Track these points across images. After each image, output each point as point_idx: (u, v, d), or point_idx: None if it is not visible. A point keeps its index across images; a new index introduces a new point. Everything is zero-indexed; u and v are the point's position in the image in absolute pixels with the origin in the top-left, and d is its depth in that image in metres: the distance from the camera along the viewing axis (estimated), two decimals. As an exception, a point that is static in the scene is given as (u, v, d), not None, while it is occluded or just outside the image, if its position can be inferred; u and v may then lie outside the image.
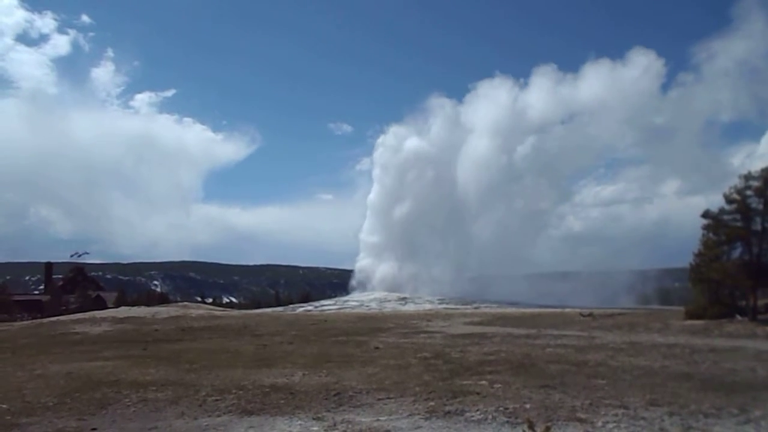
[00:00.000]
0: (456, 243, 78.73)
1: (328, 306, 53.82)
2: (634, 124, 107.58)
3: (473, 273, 76.15)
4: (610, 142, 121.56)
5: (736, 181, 21.63)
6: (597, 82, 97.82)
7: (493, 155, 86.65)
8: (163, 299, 66.68)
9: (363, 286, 69.26)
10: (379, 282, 68.40)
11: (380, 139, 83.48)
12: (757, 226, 21.35)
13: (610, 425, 7.02)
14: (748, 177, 21.33)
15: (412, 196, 78.33)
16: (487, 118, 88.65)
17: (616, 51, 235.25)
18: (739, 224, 21.70)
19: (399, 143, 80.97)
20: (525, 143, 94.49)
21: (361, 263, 73.26)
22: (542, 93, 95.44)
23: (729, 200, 21.69)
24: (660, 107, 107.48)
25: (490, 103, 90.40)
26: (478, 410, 7.81)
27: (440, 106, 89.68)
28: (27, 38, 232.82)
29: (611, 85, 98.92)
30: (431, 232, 78.75)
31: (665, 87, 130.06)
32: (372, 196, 78.01)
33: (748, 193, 21.25)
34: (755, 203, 21.26)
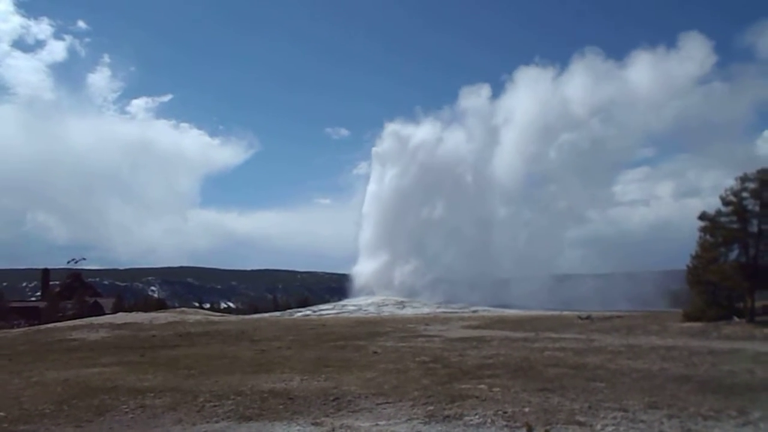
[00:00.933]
0: (478, 245, 75.81)
1: (327, 310, 53.63)
2: (676, 115, 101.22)
3: (498, 275, 72.52)
4: (648, 135, 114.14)
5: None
6: (641, 71, 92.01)
7: (524, 152, 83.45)
8: (160, 305, 66.45)
9: (371, 289, 66.33)
10: (398, 285, 65.70)
11: (389, 131, 79.75)
12: (754, 228, 21.40)
13: (610, 428, 7.02)
14: (744, 179, 21.38)
15: (431, 196, 76.06)
16: (520, 112, 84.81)
17: (665, 37, 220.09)
18: (735, 226, 21.74)
19: (410, 139, 77.98)
20: (559, 139, 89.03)
21: (373, 266, 70.07)
22: (580, 84, 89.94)
23: (725, 202, 21.74)
24: (705, 97, 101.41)
25: (526, 94, 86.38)
26: (477, 414, 7.80)
27: (472, 99, 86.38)
28: (23, 44, 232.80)
29: (655, 74, 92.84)
30: (451, 233, 76.06)
31: (713, 75, 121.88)
32: (383, 196, 74.45)
33: (745, 195, 21.30)
34: (751, 205, 21.30)
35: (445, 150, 79.90)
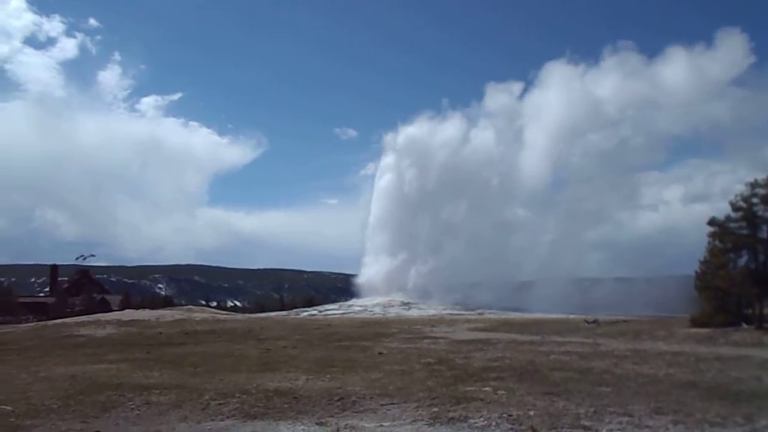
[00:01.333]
0: (498, 247, 73.02)
1: (333, 310, 53.65)
2: (704, 118, 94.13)
3: (518, 279, 69.18)
4: (675, 138, 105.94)
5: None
6: (673, 70, 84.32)
7: (549, 152, 78.92)
8: (167, 302, 66.87)
9: (383, 290, 63.75)
10: (412, 287, 63.90)
11: (405, 132, 75.69)
12: (763, 233, 21.26)
13: (615, 433, 6.98)
14: (754, 185, 21.26)
15: (448, 196, 73.70)
16: (546, 111, 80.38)
17: (708, 32, 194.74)
18: (745, 232, 21.61)
19: (425, 138, 74.86)
20: (585, 139, 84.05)
21: (387, 266, 67.59)
22: (608, 82, 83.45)
23: (735, 208, 21.61)
24: (734, 100, 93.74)
25: (553, 92, 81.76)
26: (481, 417, 7.79)
27: (498, 97, 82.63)
28: (35, 41, 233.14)
29: (687, 73, 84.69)
30: (470, 235, 73.20)
31: (747, 77, 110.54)
32: (396, 194, 71.28)
33: (754, 200, 21.18)
34: (761, 211, 21.18)
35: (463, 150, 76.71)
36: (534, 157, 78.12)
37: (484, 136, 79.74)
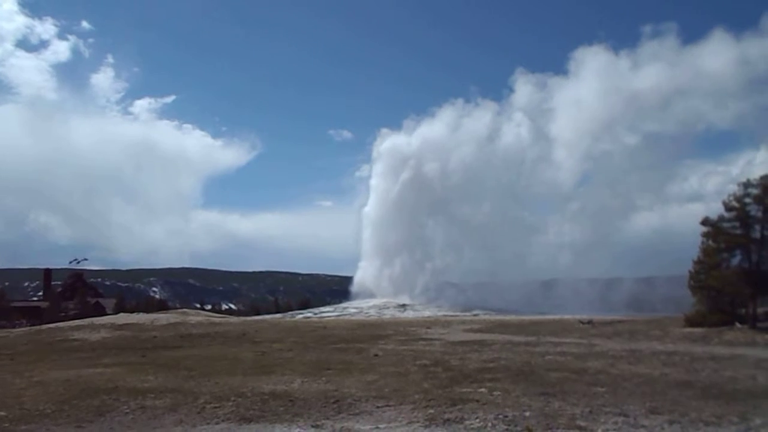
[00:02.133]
0: (514, 246, 69.91)
1: (328, 313, 53.51)
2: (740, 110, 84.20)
3: (537, 278, 66.33)
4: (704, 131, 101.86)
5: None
6: (713, 57, 76.88)
7: (573, 147, 74.17)
8: (162, 306, 66.58)
9: (389, 292, 61.71)
10: (419, 289, 61.64)
11: (417, 131, 72.49)
12: (756, 233, 21.39)
13: (610, 433, 6.99)
14: (747, 185, 21.40)
15: (460, 196, 70.75)
16: (572, 103, 75.64)
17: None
18: (738, 232, 21.73)
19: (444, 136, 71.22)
20: (614, 133, 78.32)
21: (396, 268, 65.23)
22: (641, 72, 77.55)
23: (728, 208, 21.74)
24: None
25: (579, 83, 76.94)
26: (477, 418, 7.79)
27: (521, 87, 78.10)
28: (27, 44, 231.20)
29: (727, 61, 76.85)
30: (485, 233, 69.84)
31: None
32: (399, 199, 68.09)
33: (747, 200, 21.31)
34: (754, 211, 21.31)
35: (481, 146, 73.44)
36: (561, 152, 74.49)
37: (507, 131, 75.63)
